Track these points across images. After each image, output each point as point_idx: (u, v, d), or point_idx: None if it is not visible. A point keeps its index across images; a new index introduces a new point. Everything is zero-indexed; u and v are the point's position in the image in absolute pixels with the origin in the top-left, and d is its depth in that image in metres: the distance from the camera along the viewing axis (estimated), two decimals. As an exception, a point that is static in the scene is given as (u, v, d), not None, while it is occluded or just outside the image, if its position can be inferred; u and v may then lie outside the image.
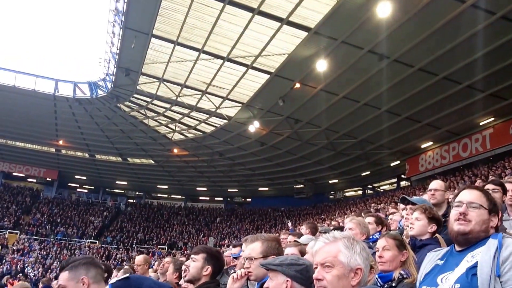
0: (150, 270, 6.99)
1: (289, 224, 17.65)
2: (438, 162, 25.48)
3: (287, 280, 2.19)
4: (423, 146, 26.27)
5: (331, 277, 1.86)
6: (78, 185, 44.66)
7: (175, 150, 34.18)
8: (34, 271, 30.47)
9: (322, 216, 29.28)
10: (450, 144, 24.68)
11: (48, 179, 42.78)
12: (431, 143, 25.78)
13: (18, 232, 35.83)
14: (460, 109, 20.50)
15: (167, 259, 5.85)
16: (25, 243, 34.43)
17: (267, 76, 21.51)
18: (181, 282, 4.12)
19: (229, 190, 42.08)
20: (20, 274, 28.46)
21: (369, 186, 35.12)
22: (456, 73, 17.99)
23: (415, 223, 3.57)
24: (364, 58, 18.34)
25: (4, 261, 31.38)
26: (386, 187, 33.98)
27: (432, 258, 2.23)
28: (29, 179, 42.97)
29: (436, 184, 4.71)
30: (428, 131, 23.71)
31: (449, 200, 4.73)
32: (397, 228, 5.72)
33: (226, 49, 20.21)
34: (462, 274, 1.98)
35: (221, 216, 41.56)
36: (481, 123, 22.38)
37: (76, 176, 42.89)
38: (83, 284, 2.56)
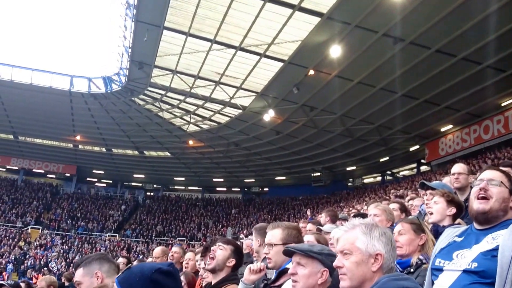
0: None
1: (308, 213, 17.49)
2: (458, 145, 24.97)
3: (325, 270, 2.20)
4: (442, 129, 25.73)
5: (349, 263, 1.87)
6: (96, 180, 45.20)
7: (191, 142, 34.26)
8: (57, 265, 31.01)
9: (341, 203, 29.04)
10: (470, 127, 24.13)
11: (67, 174, 43.43)
12: (451, 126, 25.24)
13: (40, 227, 36.49)
14: (480, 90, 19.94)
15: (175, 249, 5.77)
16: (47, 238, 35.05)
17: (280, 64, 21.29)
18: (201, 272, 4.12)
19: (246, 180, 42.09)
20: (45, 268, 29.00)
21: (388, 172, 34.68)
22: (475, 53, 17.52)
23: (433, 206, 3.52)
24: (378, 42, 18.01)
25: (27, 256, 32.02)
26: (406, 173, 33.52)
27: (450, 233, 2.23)
28: (48, 175, 43.67)
29: (459, 167, 4.56)
30: (448, 114, 23.19)
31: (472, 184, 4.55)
32: (418, 212, 5.61)
33: (238, 38, 20.06)
34: (480, 254, 1.99)
35: (237, 207, 41.59)
36: (502, 104, 21.81)
37: (94, 171, 43.43)
38: (97, 278, 2.66)
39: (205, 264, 3.83)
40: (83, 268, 2.72)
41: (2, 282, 5.58)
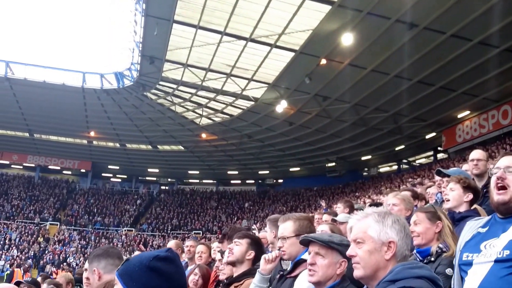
0: (184, 255, 6.83)
1: (323, 204, 17.35)
2: (476, 131, 24.46)
3: (343, 261, 2.26)
4: (459, 116, 25.24)
5: (362, 252, 1.86)
6: (111, 175, 45.59)
7: (204, 135, 34.25)
8: (75, 260, 31.44)
9: (357, 193, 28.79)
10: (488, 112, 23.60)
11: (82, 170, 43.83)
12: (468, 112, 24.73)
13: (58, 223, 37.01)
14: (498, 75, 19.36)
15: (190, 242, 5.68)
16: (65, 233, 35.54)
17: (291, 54, 21.06)
18: (218, 264, 4.18)
19: (260, 172, 42.03)
20: (64, 264, 29.42)
21: (404, 161, 34.29)
22: (492, 36, 16.99)
23: (449, 193, 3.50)
24: (392, 28, 17.67)
25: (46, 251, 32.53)
26: (423, 161, 33.08)
27: (473, 226, 2.15)
28: (64, 172, 44.20)
29: (478, 153, 4.50)
30: (465, 99, 22.71)
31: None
32: (435, 200, 5.54)
33: (248, 29, 19.87)
34: (510, 241, 1.90)
35: (252, 199, 41.55)
36: (521, 88, 21.24)
37: (109, 166, 43.82)
38: (96, 275, 2.71)
39: (221, 257, 3.92)
40: (88, 264, 2.78)
41: (20, 280, 5.65)
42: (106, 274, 2.68)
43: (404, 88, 21.74)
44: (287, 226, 2.94)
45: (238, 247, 3.33)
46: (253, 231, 6.84)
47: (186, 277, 1.62)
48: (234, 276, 3.35)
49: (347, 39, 18.53)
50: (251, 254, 3.31)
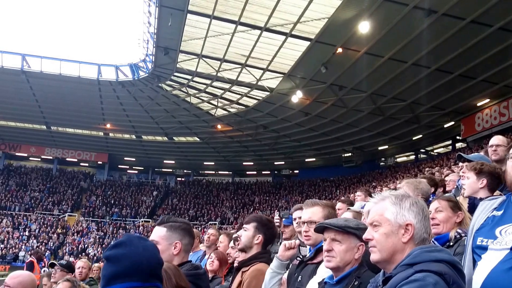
0: (201, 245, 6.84)
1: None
2: (496, 120, 23.94)
3: (361, 245, 2.24)
4: (479, 104, 24.73)
5: (378, 235, 1.82)
6: (128, 167, 46.06)
7: (219, 126, 34.31)
8: (94, 250, 31.92)
9: (373, 183, 28.54)
10: (509, 100, 23.04)
11: (99, 162, 44.36)
12: (487, 100, 24.20)
13: (76, 215, 37.56)
14: (520, 61, 18.95)
15: (211, 231, 5.65)
16: (83, 225, 36.06)
17: (307, 43, 20.80)
18: (231, 252, 4.25)
19: (275, 163, 41.97)
20: (83, 253, 29.91)
21: (422, 150, 33.88)
22: (514, 22, 16.55)
23: (465, 182, 3.46)
24: (409, 15, 17.30)
25: (65, 242, 33.09)
26: (441, 150, 32.63)
27: (487, 207, 2.09)
28: (81, 164, 44.83)
29: (497, 139, 4.39)
30: (484, 87, 22.21)
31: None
32: (455, 187, 5.49)
33: (263, 18, 19.65)
34: None
35: (268, 190, 41.54)
36: (543, 75, 20.69)
37: (125, 158, 44.26)
38: (174, 248, 2.54)
39: (234, 244, 4.01)
40: (167, 230, 2.57)
41: (54, 262, 5.79)
42: (184, 252, 2.58)
43: (422, 76, 21.38)
44: (316, 211, 2.89)
45: (245, 232, 3.31)
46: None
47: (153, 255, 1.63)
48: (241, 261, 3.35)
49: (364, 27, 18.22)
50: (259, 238, 3.25)
